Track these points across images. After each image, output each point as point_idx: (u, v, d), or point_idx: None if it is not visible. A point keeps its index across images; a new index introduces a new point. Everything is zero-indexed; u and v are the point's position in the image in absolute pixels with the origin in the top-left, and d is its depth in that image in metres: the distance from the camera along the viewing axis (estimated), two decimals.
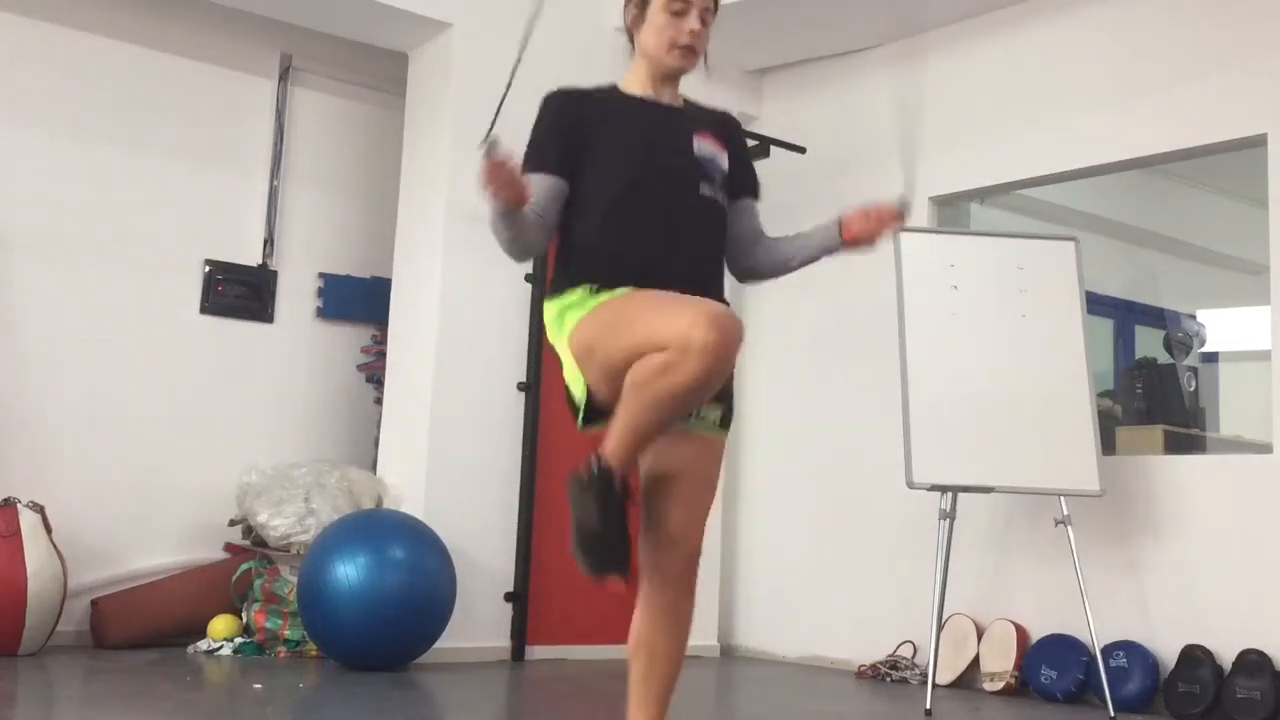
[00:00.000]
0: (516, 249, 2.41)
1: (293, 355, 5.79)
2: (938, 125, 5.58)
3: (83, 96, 5.32)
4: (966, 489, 4.47)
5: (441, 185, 5.25)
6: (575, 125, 2.49)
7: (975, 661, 4.96)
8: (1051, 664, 4.69)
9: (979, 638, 4.98)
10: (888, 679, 5.13)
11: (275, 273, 5.76)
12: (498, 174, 2.17)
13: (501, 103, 2.25)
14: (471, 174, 2.28)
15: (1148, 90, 4.89)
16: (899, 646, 5.27)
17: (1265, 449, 4.49)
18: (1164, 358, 5.93)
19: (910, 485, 4.47)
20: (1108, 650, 4.51)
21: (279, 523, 5.08)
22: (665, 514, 2.42)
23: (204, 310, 5.57)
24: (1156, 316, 6.62)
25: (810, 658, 5.68)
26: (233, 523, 5.34)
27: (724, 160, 2.60)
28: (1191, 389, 5.67)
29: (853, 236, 2.64)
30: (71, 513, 4.95)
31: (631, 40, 2.62)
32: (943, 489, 4.46)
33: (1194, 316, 6.63)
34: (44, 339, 5.14)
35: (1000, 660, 4.85)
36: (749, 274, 2.79)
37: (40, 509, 4.72)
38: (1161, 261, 6.86)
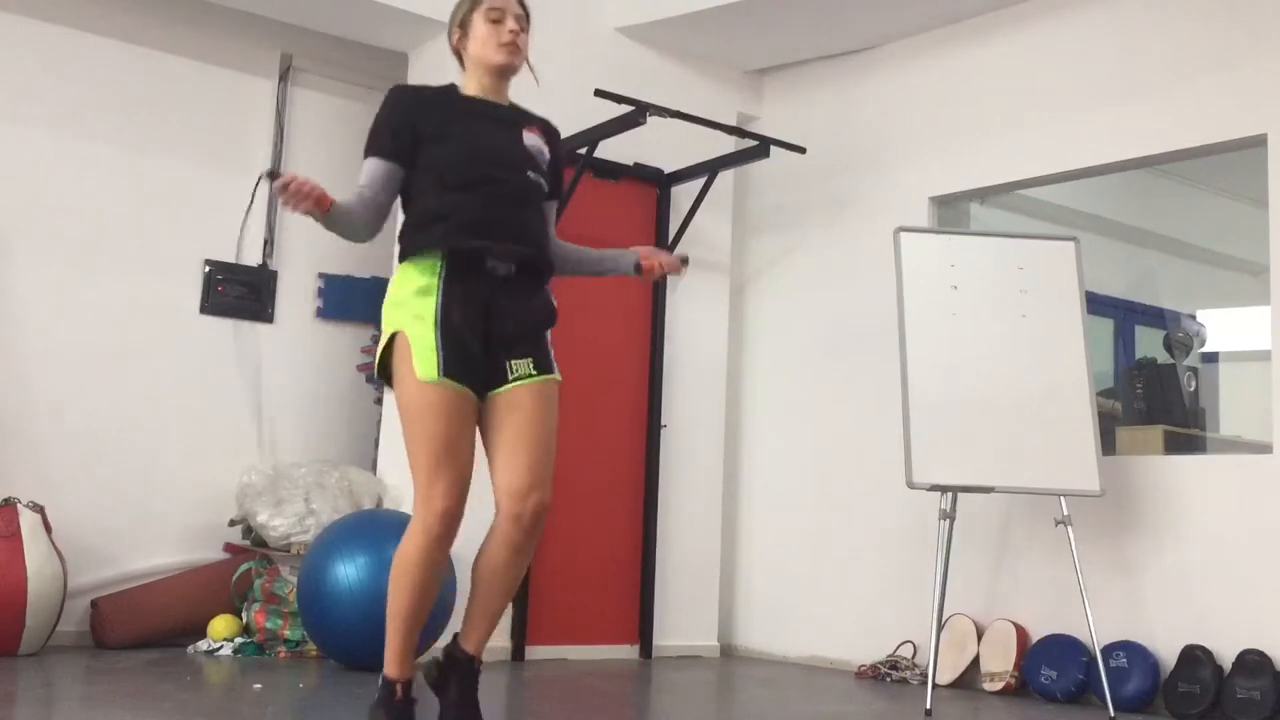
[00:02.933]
0: (351, 234, 2.76)
1: (293, 355, 5.79)
2: (938, 125, 5.59)
3: (83, 96, 5.32)
4: (966, 489, 4.47)
5: None
6: (413, 116, 2.82)
7: (975, 661, 4.96)
8: (1051, 664, 4.69)
9: (979, 638, 4.98)
10: (888, 679, 5.13)
11: (275, 273, 5.77)
12: (293, 194, 2.51)
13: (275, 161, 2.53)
14: None
15: (1148, 90, 4.89)
16: (899, 646, 5.27)
17: (1265, 449, 4.49)
18: (1164, 358, 5.93)
19: (910, 485, 4.47)
20: (1108, 650, 4.51)
21: (279, 523, 5.09)
22: (509, 474, 2.73)
23: (204, 310, 5.57)
24: (1156, 316, 6.62)
25: (810, 658, 5.68)
26: (233, 523, 5.35)
27: (547, 155, 2.95)
28: (1191, 389, 5.66)
29: (650, 267, 3.04)
30: (71, 513, 4.95)
31: (460, 59, 2.98)
32: (943, 489, 4.46)
33: (1194, 316, 6.62)
34: (44, 339, 5.14)
35: (1000, 660, 4.85)
36: None
37: (40, 509, 4.72)
38: (1161, 261, 6.85)
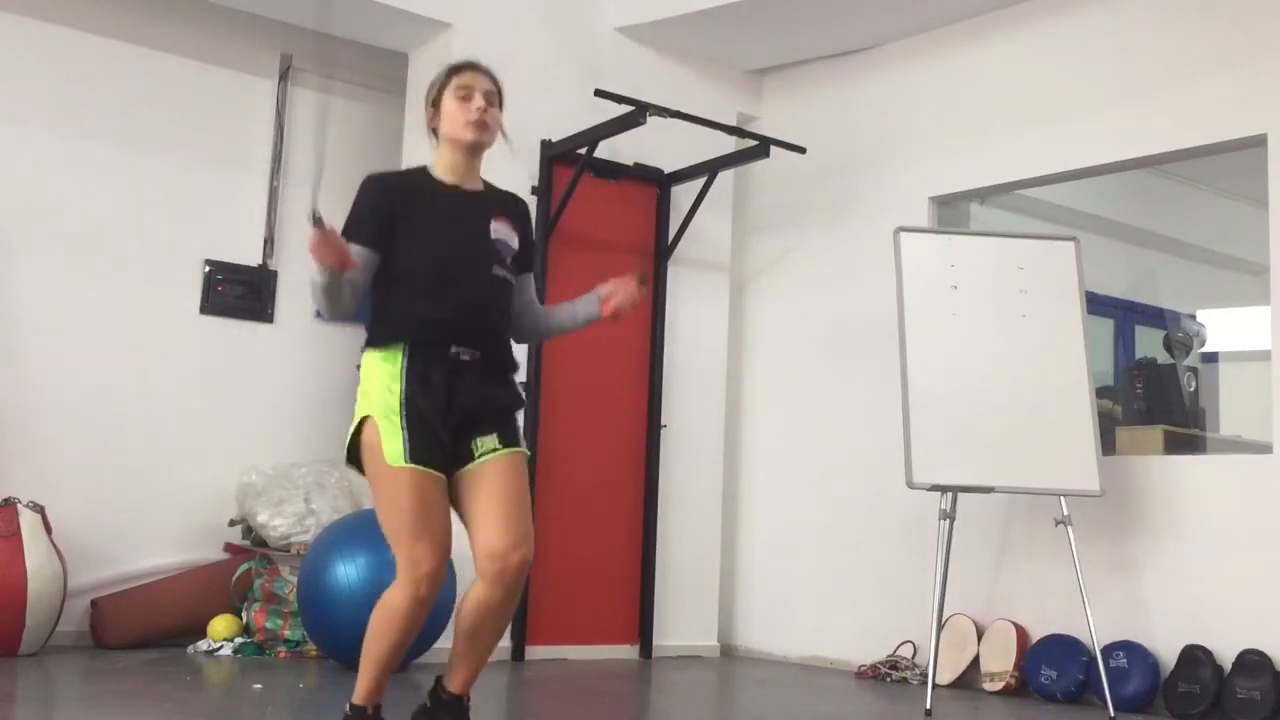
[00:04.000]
0: (335, 312, 2.79)
1: (293, 355, 5.79)
2: (938, 125, 5.59)
3: (83, 96, 5.32)
4: (966, 489, 4.47)
5: None
6: (389, 205, 2.84)
7: (975, 661, 4.96)
8: (1051, 664, 4.69)
9: (979, 638, 4.98)
10: (888, 679, 5.13)
11: (275, 273, 5.77)
12: (325, 243, 2.54)
13: (316, 193, 2.55)
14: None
15: (1148, 90, 4.89)
16: (899, 646, 5.27)
17: (1265, 449, 4.49)
18: (1164, 358, 5.93)
19: (910, 485, 4.47)
20: (1108, 650, 4.51)
21: (279, 523, 5.09)
22: (487, 535, 2.73)
23: (204, 310, 5.57)
24: (1156, 316, 6.62)
25: (810, 658, 5.68)
26: (233, 523, 5.35)
27: (514, 241, 2.96)
28: (1191, 389, 5.66)
29: (611, 311, 2.97)
30: (71, 513, 4.95)
31: (436, 136, 3.00)
32: (943, 489, 4.46)
33: (1194, 316, 6.63)
34: (44, 339, 5.14)
35: (1000, 660, 4.85)
36: (527, 337, 3.10)
37: (40, 509, 4.72)
38: (1161, 261, 6.86)
